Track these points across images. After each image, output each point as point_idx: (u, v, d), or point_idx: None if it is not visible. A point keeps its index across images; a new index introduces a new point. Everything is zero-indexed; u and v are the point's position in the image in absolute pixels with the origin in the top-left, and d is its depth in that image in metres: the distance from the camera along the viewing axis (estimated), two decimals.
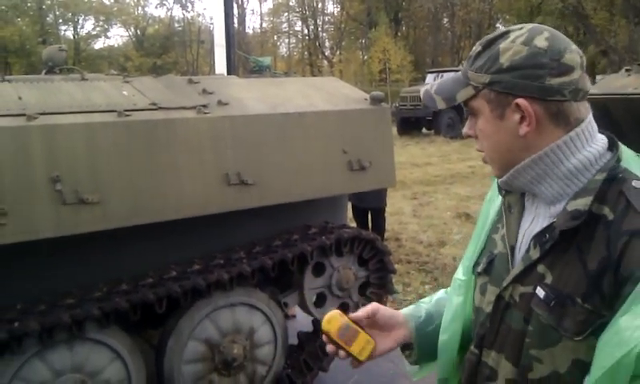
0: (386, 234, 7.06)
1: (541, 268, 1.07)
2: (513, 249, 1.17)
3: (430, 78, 23.35)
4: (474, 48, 1.13)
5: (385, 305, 3.85)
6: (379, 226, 6.51)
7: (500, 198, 1.27)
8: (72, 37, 41.95)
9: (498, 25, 46.02)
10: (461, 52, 45.52)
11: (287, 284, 3.56)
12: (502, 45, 1.07)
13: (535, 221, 1.14)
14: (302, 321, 4.39)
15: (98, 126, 2.61)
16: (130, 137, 2.68)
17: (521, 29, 1.09)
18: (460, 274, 1.33)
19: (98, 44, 46.15)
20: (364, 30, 45.14)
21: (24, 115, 2.49)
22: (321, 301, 3.57)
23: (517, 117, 1.07)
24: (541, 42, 1.05)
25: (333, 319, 1.24)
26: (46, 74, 3.28)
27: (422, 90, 1.21)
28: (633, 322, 0.92)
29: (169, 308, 2.95)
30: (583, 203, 1.03)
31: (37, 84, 2.88)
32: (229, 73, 9.79)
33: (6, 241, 2.43)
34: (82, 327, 2.71)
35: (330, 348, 1.26)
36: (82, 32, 43.42)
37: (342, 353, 1.24)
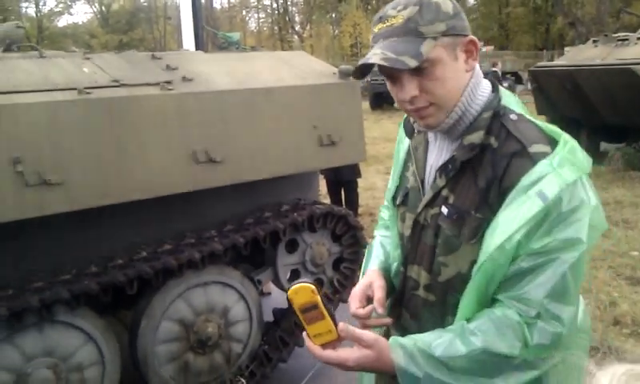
0: (360, 210, 7.08)
1: (445, 192, 1.30)
2: (423, 181, 1.39)
3: None
4: (403, 12, 1.21)
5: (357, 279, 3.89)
6: (352, 200, 6.53)
7: (406, 140, 1.50)
8: (34, 14, 40.76)
9: None
10: None
11: (261, 261, 3.55)
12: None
13: (438, 155, 1.36)
14: (277, 298, 4.38)
15: (59, 104, 2.53)
16: (92, 115, 2.60)
17: None
18: (390, 210, 1.58)
19: (62, 21, 45.05)
20: (334, 4, 44.73)
21: None
22: (295, 277, 3.57)
23: (464, 55, 1.25)
24: None
25: (301, 292, 1.17)
26: (3, 52, 3.15)
27: (377, 59, 1.19)
28: (511, 213, 1.15)
29: (141, 289, 2.91)
30: (477, 137, 1.25)
31: None
32: (197, 49, 9.59)
33: None
34: (51, 310, 2.66)
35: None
36: (45, 9, 42.21)
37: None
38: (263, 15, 51.72)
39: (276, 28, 49.30)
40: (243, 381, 3.32)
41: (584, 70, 8.79)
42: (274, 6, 49.20)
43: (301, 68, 3.53)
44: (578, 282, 1.16)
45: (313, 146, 3.32)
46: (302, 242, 3.52)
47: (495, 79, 1.38)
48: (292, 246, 3.51)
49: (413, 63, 1.16)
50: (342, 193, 6.54)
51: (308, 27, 48.49)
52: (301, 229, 3.43)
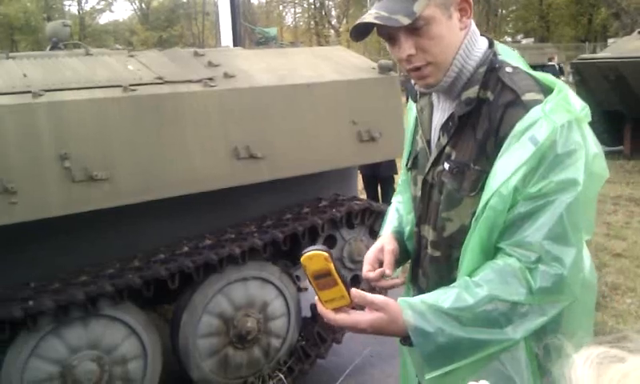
0: None
1: (448, 149, 1.34)
2: (429, 142, 1.43)
3: None
4: None
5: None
6: (389, 196, 6.47)
7: (415, 106, 1.52)
8: (77, 12, 41.67)
9: None
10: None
11: (299, 257, 3.54)
12: None
13: (441, 115, 1.39)
14: (314, 294, 4.39)
15: (105, 101, 2.58)
16: (136, 112, 2.65)
17: None
18: (404, 175, 1.62)
19: (103, 19, 45.89)
20: None
21: (29, 92, 2.46)
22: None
23: (457, 14, 1.28)
24: None
25: (315, 259, 1.16)
26: (50, 49, 3.24)
27: (370, 18, 1.22)
28: (506, 160, 1.17)
29: (182, 283, 2.95)
30: (473, 92, 1.28)
31: (41, 60, 2.84)
32: (235, 44, 9.69)
33: (16, 219, 2.43)
34: (96, 304, 2.72)
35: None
36: (87, 7, 43.11)
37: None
38: (300, 10, 51.82)
39: (312, 23, 49.28)
40: (282, 376, 3.34)
41: (629, 62, 8.53)
42: (311, 0, 49.20)
43: (340, 63, 3.52)
44: (577, 224, 1.16)
45: (352, 141, 3.31)
46: (340, 238, 3.51)
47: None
48: (330, 242, 3.50)
49: (406, 21, 1.20)
50: (379, 189, 6.50)
51: (344, 21, 48.31)
52: (339, 225, 3.42)
